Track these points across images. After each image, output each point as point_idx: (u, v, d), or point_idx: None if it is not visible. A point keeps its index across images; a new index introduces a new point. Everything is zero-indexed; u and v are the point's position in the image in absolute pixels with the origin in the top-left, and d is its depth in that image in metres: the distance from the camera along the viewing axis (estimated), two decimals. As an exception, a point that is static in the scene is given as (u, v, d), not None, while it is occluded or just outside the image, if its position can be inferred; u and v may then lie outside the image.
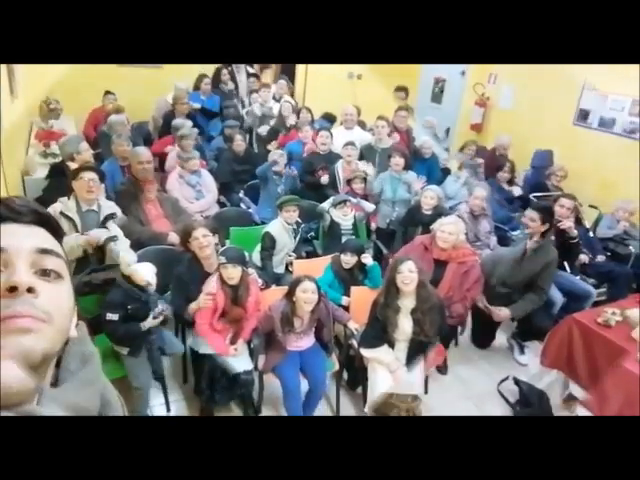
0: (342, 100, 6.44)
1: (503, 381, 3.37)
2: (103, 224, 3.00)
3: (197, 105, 5.64)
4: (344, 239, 3.80)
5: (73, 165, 3.63)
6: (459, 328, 3.51)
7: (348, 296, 3.30)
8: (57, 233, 0.69)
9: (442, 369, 3.47)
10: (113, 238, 2.99)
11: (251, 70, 6.62)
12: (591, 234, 4.35)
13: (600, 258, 4.14)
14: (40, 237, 0.66)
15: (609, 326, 2.89)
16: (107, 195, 3.54)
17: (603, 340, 2.83)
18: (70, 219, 2.90)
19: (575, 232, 3.68)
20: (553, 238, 3.55)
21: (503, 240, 4.48)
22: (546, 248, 3.40)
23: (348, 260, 3.31)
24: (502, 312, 3.43)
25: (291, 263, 3.74)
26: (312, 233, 4.43)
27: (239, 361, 2.76)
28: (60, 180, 3.52)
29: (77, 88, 5.87)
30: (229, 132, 5.18)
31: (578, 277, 3.92)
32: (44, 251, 0.64)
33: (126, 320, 2.52)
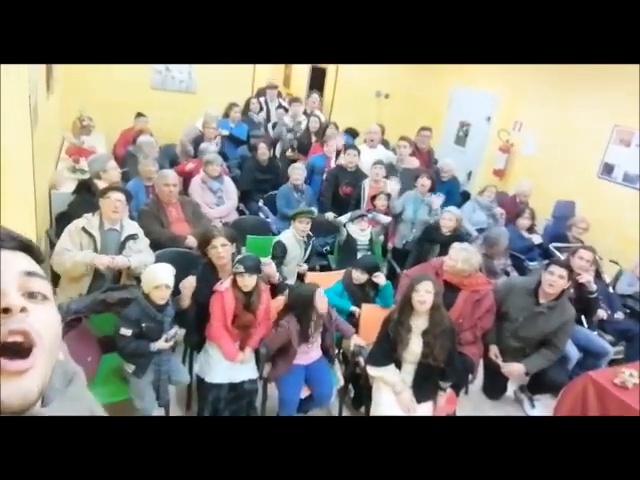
0: (368, 117, 6.52)
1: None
2: (123, 244, 3.04)
3: (225, 132, 5.75)
4: (360, 255, 3.81)
5: (100, 182, 3.71)
6: (470, 376, 3.43)
7: None
8: (38, 259, 0.72)
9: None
10: (133, 236, 3.07)
11: (283, 102, 6.77)
12: (610, 289, 4.27)
13: (619, 315, 4.04)
14: (25, 261, 0.69)
15: (626, 388, 2.80)
16: (130, 214, 3.60)
17: (619, 402, 2.74)
18: (91, 235, 2.94)
19: (594, 286, 3.60)
20: (572, 291, 3.48)
21: (520, 270, 4.43)
22: (563, 306, 3.27)
23: (358, 277, 3.30)
24: (514, 367, 3.30)
25: (304, 274, 3.74)
26: (327, 247, 4.45)
27: (245, 369, 2.78)
28: (86, 196, 3.58)
29: (111, 107, 6.07)
30: (254, 141, 5.25)
31: (595, 333, 3.83)
32: (30, 274, 0.66)
33: (138, 337, 2.52)
